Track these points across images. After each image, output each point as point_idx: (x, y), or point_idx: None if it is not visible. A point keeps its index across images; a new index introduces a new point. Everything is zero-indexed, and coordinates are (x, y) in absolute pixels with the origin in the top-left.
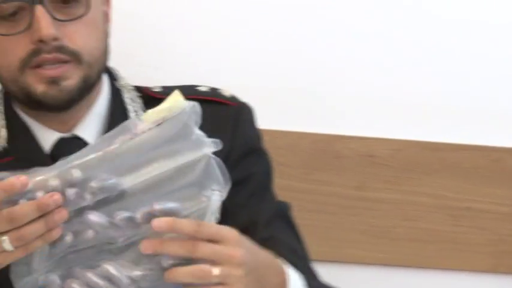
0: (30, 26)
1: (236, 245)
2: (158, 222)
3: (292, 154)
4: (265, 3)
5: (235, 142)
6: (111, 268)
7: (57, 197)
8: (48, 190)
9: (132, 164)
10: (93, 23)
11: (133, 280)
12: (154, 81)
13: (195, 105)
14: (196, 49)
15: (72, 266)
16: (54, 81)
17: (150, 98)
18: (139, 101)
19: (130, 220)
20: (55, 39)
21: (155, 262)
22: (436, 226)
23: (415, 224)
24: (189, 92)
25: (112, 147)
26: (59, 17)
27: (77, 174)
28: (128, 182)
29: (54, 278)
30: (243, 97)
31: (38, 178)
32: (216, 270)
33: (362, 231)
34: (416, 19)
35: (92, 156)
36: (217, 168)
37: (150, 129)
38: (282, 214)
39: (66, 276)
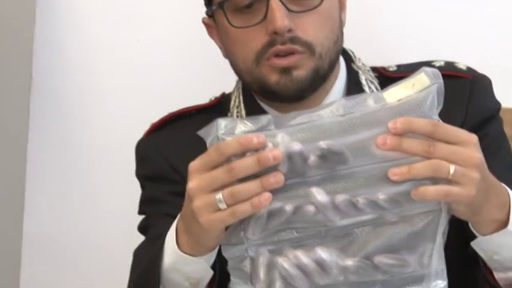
0: (265, 18)
1: (475, 148)
2: (394, 123)
3: None
4: None
5: (469, 113)
6: (323, 253)
7: (277, 152)
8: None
9: (364, 140)
10: (327, 14)
11: (343, 270)
12: (392, 62)
13: (439, 86)
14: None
15: (283, 243)
16: (286, 70)
17: (386, 78)
18: (375, 81)
19: (352, 205)
20: (289, 30)
21: (368, 256)
22: None
23: None
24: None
25: (347, 116)
26: (292, 8)
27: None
28: (355, 159)
29: (264, 251)
30: (492, 75)
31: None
32: (452, 168)
33: None
34: None
35: (326, 121)
36: None
37: (389, 106)
38: None
39: (276, 252)
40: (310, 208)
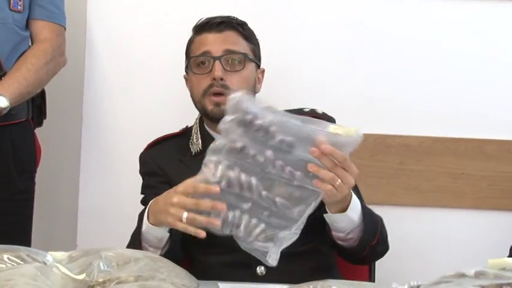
0: (210, 71)
1: (354, 174)
2: (326, 146)
3: (363, 145)
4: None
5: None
6: (254, 181)
7: (216, 189)
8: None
9: (310, 147)
10: (245, 77)
11: (260, 194)
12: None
13: (358, 140)
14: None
15: (243, 167)
16: (218, 104)
17: None
18: None
19: (283, 168)
20: (222, 79)
21: (274, 195)
22: (441, 183)
23: (430, 183)
24: (299, 112)
25: (309, 128)
26: (226, 68)
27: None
28: (301, 152)
29: (236, 170)
30: (337, 114)
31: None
32: (338, 181)
33: (401, 188)
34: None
35: (295, 122)
36: None
37: (328, 132)
38: None
39: (240, 170)
40: (268, 152)
